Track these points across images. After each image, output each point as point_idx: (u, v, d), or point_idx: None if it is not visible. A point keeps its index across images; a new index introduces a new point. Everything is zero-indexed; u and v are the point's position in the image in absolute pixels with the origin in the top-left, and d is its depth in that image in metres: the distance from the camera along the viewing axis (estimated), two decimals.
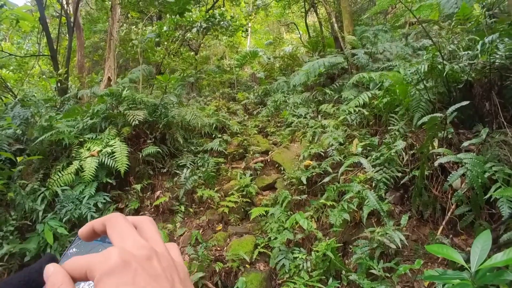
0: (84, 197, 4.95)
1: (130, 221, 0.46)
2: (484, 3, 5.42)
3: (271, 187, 5.67)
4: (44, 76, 11.13)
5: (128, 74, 8.12)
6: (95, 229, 0.46)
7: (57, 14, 11.92)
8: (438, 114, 3.73)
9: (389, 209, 3.86)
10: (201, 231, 4.89)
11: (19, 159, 4.66)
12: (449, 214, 3.60)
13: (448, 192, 3.70)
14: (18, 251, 4.26)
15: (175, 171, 5.92)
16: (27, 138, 5.54)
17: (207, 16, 9.48)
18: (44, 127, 5.44)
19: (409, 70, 4.81)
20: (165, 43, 8.41)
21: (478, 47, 3.83)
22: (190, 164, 6.08)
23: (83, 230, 0.47)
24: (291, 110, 7.55)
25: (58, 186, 4.93)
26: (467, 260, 1.97)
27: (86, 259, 0.40)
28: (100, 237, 0.48)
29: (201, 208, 5.40)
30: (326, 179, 4.68)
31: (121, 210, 5.23)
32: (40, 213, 4.63)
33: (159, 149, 5.88)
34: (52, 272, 0.40)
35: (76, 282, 0.40)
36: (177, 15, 8.86)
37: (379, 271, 3.22)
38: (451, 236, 3.51)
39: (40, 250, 4.38)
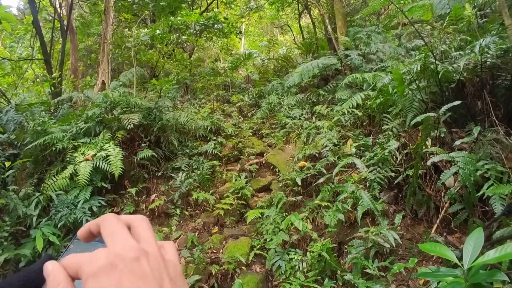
0: (79, 201, 4.92)
1: (124, 220, 0.47)
2: (475, 3, 5.48)
3: (266, 188, 5.68)
4: (37, 80, 11.08)
5: (120, 77, 8.09)
6: (91, 230, 0.48)
7: (51, 18, 11.89)
8: (432, 114, 3.76)
9: (383, 208, 3.89)
10: (197, 234, 4.88)
11: (7, 164, 4.65)
12: (442, 212, 3.63)
13: (442, 190, 3.73)
14: (13, 257, 4.24)
15: (170, 174, 5.92)
16: (20, 143, 5.52)
17: (201, 18, 9.49)
18: (38, 132, 5.42)
19: (402, 70, 4.85)
20: (159, 45, 8.41)
21: (476, 50, 3.87)
22: (185, 167, 6.08)
23: (81, 231, 0.49)
24: (285, 111, 7.57)
25: (52, 191, 4.90)
26: (461, 258, 1.99)
27: (77, 259, 0.41)
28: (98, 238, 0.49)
29: (197, 211, 5.40)
30: (321, 180, 4.70)
31: (116, 214, 5.21)
32: (34, 219, 4.60)
33: (153, 153, 5.87)
34: (51, 270, 0.41)
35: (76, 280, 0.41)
36: (169, 14, 8.87)
37: (374, 271, 3.24)
38: (445, 234, 3.54)
39: (35, 255, 4.36)
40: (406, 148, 4.36)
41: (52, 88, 7.95)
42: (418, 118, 3.91)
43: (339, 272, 3.50)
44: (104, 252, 0.40)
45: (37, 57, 10.46)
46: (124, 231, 0.44)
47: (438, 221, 3.64)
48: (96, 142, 5.58)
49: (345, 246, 3.83)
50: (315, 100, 7.48)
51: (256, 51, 13.57)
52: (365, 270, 3.31)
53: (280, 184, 5.45)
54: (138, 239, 0.45)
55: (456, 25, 5.10)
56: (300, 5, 12.32)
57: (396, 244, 3.41)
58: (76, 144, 5.56)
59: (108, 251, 0.40)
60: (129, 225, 0.47)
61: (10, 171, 4.87)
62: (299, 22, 12.99)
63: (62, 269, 0.41)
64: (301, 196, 4.89)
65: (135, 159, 5.75)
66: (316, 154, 5.37)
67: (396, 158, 4.27)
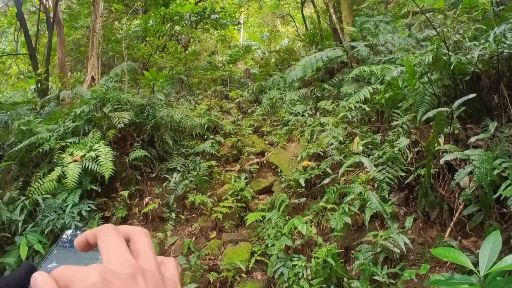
0: (67, 205, 4.92)
1: (123, 232, 0.47)
2: None
3: (267, 190, 5.68)
4: (22, 77, 11.09)
5: (111, 72, 8.09)
6: (89, 240, 0.47)
7: (36, 9, 11.88)
8: (444, 109, 3.74)
9: (393, 211, 3.87)
10: (193, 239, 4.88)
11: None
12: (457, 214, 3.61)
13: (456, 191, 3.72)
14: None
15: (165, 175, 5.91)
16: (4, 144, 5.51)
17: (196, 9, 9.48)
18: (23, 132, 5.42)
19: (413, 62, 4.83)
20: (151, 38, 8.40)
21: (491, 39, 3.83)
22: (181, 167, 6.07)
23: (78, 241, 0.48)
24: (288, 107, 7.56)
25: (39, 195, 4.90)
26: (477, 264, 1.97)
27: (69, 272, 0.40)
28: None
29: (193, 215, 5.39)
30: (326, 181, 4.69)
31: (107, 219, 5.22)
32: (20, 224, 4.60)
33: (147, 153, 5.86)
34: (40, 282, 0.40)
35: None
36: (162, 7, 8.87)
37: (383, 278, 3.23)
38: (459, 238, 3.52)
39: (20, 264, 4.35)
40: (417, 145, 4.34)
41: (38, 85, 7.95)
42: (430, 114, 3.89)
43: (345, 279, 3.49)
44: (98, 268, 0.39)
45: (21, 52, 10.47)
46: (122, 245, 0.45)
47: (452, 224, 3.62)
48: (85, 142, 5.57)
49: (352, 252, 3.82)
50: (319, 95, 7.47)
51: (256, 43, 13.60)
52: (374, 277, 3.30)
53: (282, 185, 5.44)
54: (136, 254, 0.45)
55: (470, 13, 5.07)
56: None
57: (407, 249, 3.39)
58: (63, 144, 5.55)
59: (103, 267, 0.40)
60: (128, 237, 0.47)
61: None
62: (302, 11, 12.95)
63: (52, 282, 0.40)
64: (304, 198, 4.88)
65: (127, 160, 5.74)
66: (321, 153, 5.36)
67: (407, 156, 4.25)
